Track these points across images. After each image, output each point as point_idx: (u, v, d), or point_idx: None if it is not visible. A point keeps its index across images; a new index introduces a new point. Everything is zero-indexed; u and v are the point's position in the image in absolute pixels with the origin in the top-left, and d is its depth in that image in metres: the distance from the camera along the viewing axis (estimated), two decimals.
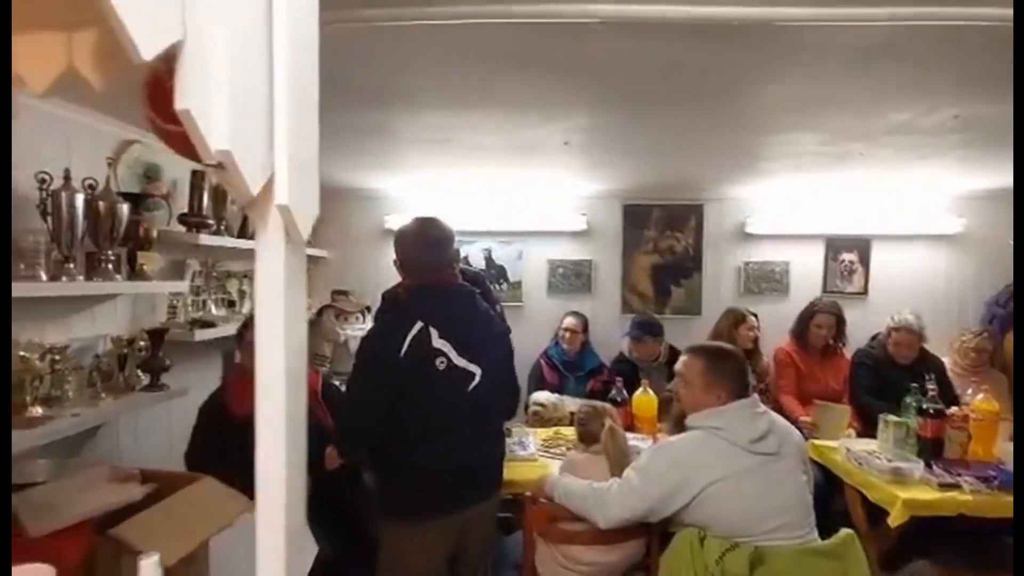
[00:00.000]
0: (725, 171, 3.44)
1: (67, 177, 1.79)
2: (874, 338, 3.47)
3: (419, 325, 1.76)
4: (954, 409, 2.56)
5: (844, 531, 1.74)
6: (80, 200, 1.79)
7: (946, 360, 3.41)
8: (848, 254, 4.17)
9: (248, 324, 2.36)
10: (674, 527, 1.79)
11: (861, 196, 3.99)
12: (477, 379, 1.83)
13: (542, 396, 3.27)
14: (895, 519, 2.14)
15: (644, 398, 2.71)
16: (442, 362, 1.78)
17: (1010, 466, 2.32)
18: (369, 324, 3.36)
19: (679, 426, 2.02)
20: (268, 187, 0.50)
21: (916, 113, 2.19)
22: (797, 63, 1.74)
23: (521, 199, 4.09)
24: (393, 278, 2.04)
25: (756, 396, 1.91)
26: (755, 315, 3.58)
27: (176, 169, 2.49)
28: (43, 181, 1.74)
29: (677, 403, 2.26)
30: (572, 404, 3.23)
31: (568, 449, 2.67)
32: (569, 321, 3.69)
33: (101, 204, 1.89)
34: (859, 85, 1.91)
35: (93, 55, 0.57)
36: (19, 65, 0.59)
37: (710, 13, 1.37)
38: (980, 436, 2.50)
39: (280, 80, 0.49)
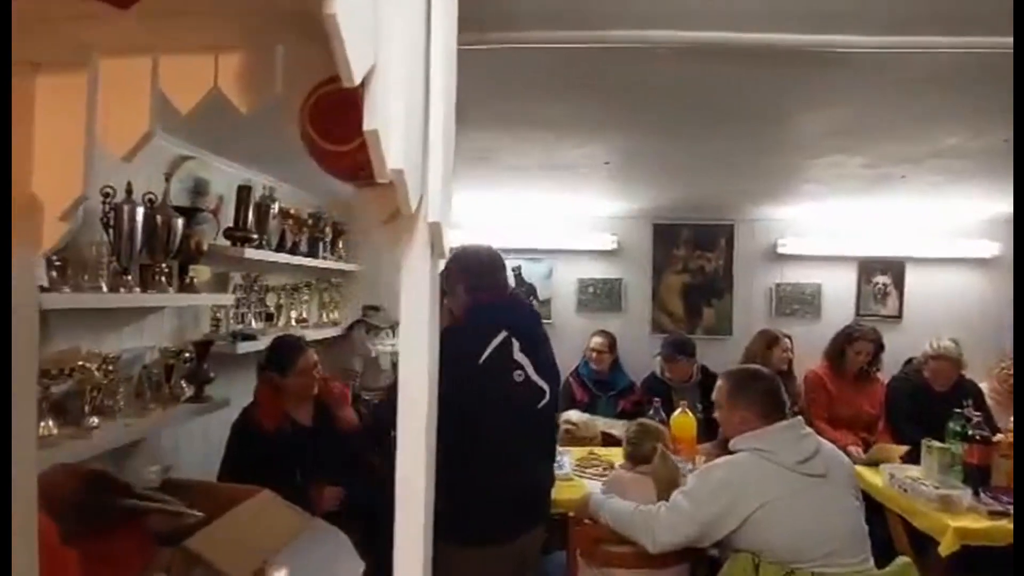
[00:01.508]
0: (761, 191, 3.44)
1: (129, 191, 1.84)
2: (908, 362, 3.41)
3: (503, 334, 1.72)
4: (1000, 436, 2.51)
5: (901, 559, 1.71)
6: (140, 213, 1.84)
7: (983, 386, 3.34)
8: (882, 276, 4.13)
9: (294, 350, 2.30)
10: (726, 552, 1.77)
11: (896, 218, 3.96)
12: (547, 398, 1.80)
13: (573, 415, 3.26)
14: (946, 548, 2.09)
15: (683, 419, 2.68)
16: (519, 375, 1.73)
17: None
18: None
19: (725, 451, 2.01)
20: (420, 205, 0.52)
21: (965, 137, 2.18)
22: (843, 89, 1.74)
23: (551, 217, 4.11)
24: None
25: (800, 418, 1.89)
26: (789, 337, 3.54)
27: (223, 184, 2.54)
28: (107, 195, 1.79)
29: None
30: (603, 423, 3.22)
31: (604, 469, 2.65)
32: (596, 341, 3.68)
33: (159, 217, 1.93)
34: (907, 110, 1.90)
35: (238, 78, 0.60)
36: (166, 85, 0.62)
37: (755, 40, 1.37)
38: None
39: (437, 102, 0.51)
